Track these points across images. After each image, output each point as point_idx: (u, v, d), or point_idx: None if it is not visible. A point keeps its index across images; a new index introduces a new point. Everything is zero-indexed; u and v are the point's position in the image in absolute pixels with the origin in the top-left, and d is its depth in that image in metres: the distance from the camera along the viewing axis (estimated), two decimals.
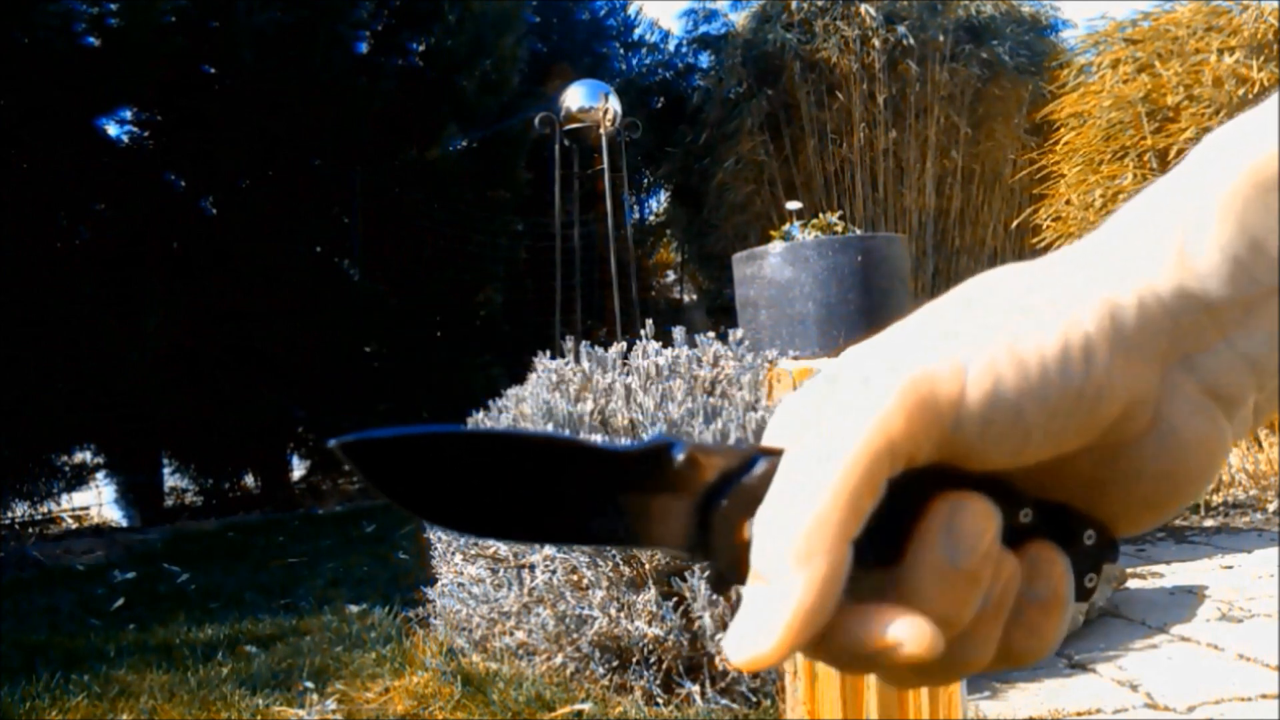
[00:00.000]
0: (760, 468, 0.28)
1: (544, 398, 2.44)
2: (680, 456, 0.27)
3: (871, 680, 1.33)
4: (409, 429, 0.25)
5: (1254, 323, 0.30)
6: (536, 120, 6.10)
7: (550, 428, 2.29)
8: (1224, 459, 0.31)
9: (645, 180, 9.82)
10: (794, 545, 0.26)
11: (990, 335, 0.29)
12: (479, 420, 2.80)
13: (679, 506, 0.27)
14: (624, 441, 0.29)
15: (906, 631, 0.27)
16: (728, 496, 0.28)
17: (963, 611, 0.29)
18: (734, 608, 2.05)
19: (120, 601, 3.50)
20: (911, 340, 0.29)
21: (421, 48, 7.19)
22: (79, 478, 6.15)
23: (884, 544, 0.29)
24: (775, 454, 0.28)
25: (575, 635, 2.16)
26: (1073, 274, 0.30)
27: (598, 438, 2.04)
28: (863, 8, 7.27)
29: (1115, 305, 0.29)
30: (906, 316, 0.31)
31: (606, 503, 0.27)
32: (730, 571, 0.28)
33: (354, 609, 3.09)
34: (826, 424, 0.28)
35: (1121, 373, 0.29)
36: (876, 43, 7.24)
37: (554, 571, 2.21)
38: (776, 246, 3.49)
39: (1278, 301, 0.29)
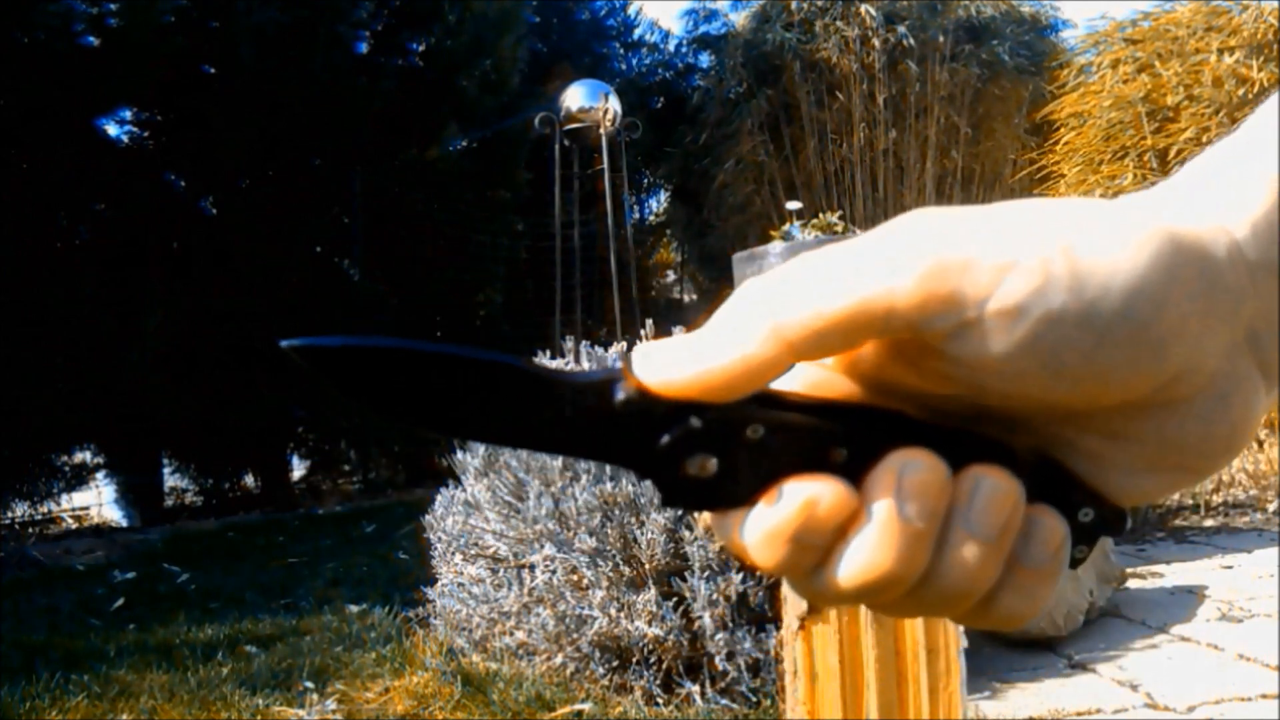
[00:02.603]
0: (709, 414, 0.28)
1: None
2: (621, 397, 0.27)
3: (871, 680, 1.33)
4: (360, 339, 0.27)
5: None
6: (536, 120, 6.11)
7: None
8: (1256, 432, 0.29)
9: (645, 180, 9.83)
10: (747, 325, 0.26)
11: (1050, 234, 0.25)
12: None
13: (621, 433, 0.28)
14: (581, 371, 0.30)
15: (807, 488, 0.27)
16: (670, 435, 0.28)
17: (918, 557, 0.27)
18: (734, 608, 2.05)
19: (120, 601, 3.50)
20: (960, 220, 0.26)
21: (421, 48, 7.19)
22: (79, 478, 6.15)
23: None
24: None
25: (575, 635, 2.16)
26: (1163, 206, 0.27)
27: None
28: (863, 8, 7.27)
29: (1205, 253, 0.26)
30: None
31: (551, 419, 0.28)
32: (671, 498, 0.29)
33: (354, 609, 3.09)
34: (836, 264, 0.26)
35: (1197, 330, 0.26)
36: (876, 43, 7.25)
37: (554, 571, 2.21)
38: (776, 246, 3.49)
39: None
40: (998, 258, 0.25)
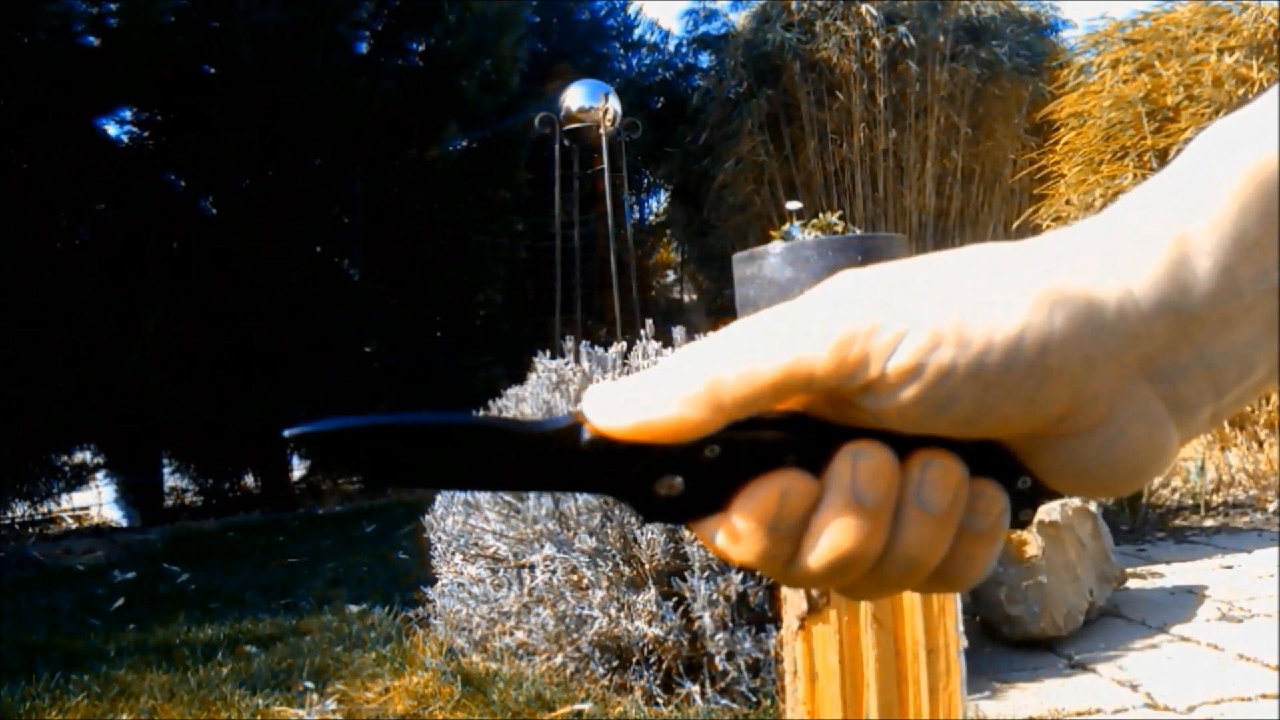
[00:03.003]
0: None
1: (544, 398, 2.44)
2: (586, 438, 0.30)
3: (871, 680, 1.33)
4: (352, 420, 0.30)
5: (1227, 335, 0.29)
6: (536, 120, 6.10)
7: None
8: (1170, 463, 0.31)
9: (645, 180, 9.83)
10: (685, 389, 0.29)
11: (943, 299, 0.29)
12: None
13: (592, 468, 0.31)
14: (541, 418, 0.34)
15: (776, 483, 0.31)
16: (639, 464, 0.31)
17: (877, 534, 0.31)
18: (734, 608, 2.05)
19: (120, 601, 3.50)
20: (868, 290, 0.30)
21: (421, 48, 7.19)
22: (79, 478, 6.15)
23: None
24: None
25: (575, 635, 2.16)
26: (1057, 265, 0.30)
27: None
28: (863, 8, 7.27)
29: (1091, 305, 0.29)
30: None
31: (530, 465, 0.31)
32: (648, 515, 0.32)
33: (354, 609, 3.09)
34: (765, 333, 0.30)
35: (1079, 374, 0.29)
36: (876, 43, 7.25)
37: (554, 571, 2.21)
38: (776, 246, 3.49)
39: (1256, 313, 0.29)
40: (897, 324, 0.29)
